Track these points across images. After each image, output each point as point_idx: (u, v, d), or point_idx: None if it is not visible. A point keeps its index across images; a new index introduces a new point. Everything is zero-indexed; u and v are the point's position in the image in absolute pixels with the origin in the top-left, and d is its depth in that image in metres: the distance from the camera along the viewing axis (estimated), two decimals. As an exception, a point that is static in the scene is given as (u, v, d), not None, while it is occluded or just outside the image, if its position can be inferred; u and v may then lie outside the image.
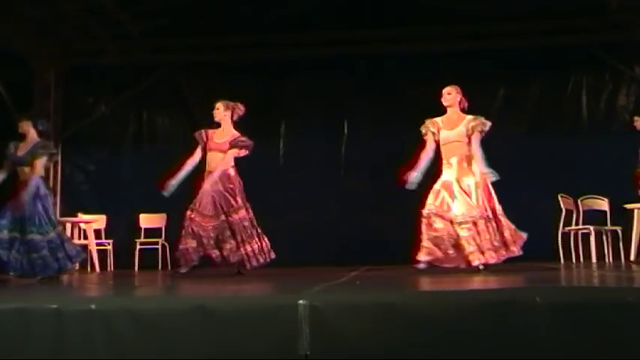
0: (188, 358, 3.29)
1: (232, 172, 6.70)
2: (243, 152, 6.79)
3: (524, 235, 6.19)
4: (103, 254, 9.01)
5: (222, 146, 6.67)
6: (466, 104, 6.45)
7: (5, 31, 8.93)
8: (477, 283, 4.92)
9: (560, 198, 8.43)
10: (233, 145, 6.69)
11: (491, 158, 9.40)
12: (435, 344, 3.22)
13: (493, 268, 6.13)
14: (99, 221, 9.23)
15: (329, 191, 9.57)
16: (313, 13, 9.48)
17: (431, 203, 6.17)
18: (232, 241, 6.55)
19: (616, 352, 3.18)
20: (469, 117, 6.39)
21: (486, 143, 9.48)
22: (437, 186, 6.26)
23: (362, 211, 9.30)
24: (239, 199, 6.63)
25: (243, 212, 6.64)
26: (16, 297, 4.38)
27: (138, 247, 8.91)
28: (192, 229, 6.50)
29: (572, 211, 8.49)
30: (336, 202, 9.52)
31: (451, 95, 6.37)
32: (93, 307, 3.39)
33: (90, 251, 8.75)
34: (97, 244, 8.92)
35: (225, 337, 3.28)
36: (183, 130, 9.22)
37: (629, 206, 7.77)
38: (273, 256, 6.76)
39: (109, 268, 9.02)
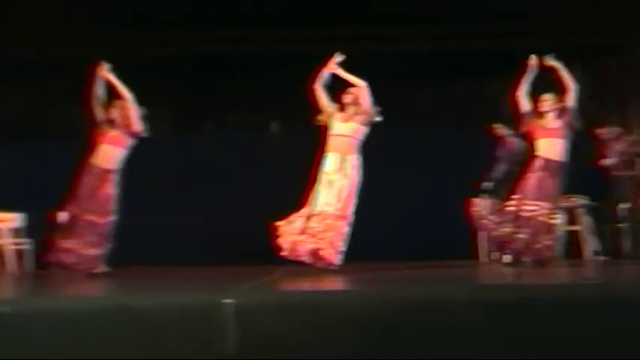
0: (113, 359, 3.25)
1: (116, 174, 6.57)
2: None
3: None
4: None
5: (118, 138, 6.39)
6: (366, 107, 6.27)
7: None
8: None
9: (560, 198, 8.54)
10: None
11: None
12: (362, 343, 3.20)
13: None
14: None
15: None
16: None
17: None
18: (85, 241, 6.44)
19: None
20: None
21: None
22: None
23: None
24: (110, 204, 6.52)
25: (108, 217, 6.52)
26: None
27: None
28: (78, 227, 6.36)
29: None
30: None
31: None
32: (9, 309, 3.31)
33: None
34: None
35: (152, 336, 3.25)
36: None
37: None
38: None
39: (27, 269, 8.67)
